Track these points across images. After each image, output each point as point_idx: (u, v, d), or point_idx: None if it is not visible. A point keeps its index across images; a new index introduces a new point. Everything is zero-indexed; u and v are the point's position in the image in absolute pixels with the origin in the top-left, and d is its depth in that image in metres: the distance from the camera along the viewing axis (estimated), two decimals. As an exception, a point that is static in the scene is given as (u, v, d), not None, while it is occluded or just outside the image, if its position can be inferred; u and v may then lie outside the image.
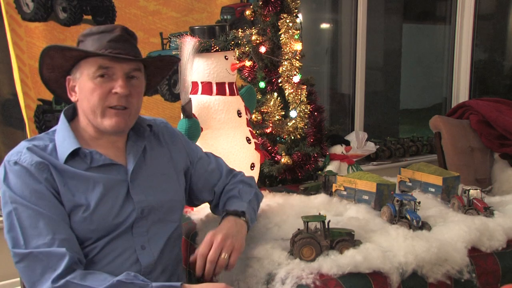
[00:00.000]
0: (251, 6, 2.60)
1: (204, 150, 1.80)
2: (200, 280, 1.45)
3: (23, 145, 1.40)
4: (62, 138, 1.43)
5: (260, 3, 2.50)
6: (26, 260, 1.29)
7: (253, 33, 2.50)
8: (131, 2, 2.87)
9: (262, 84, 2.53)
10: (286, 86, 2.45)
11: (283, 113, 2.50)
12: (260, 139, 2.48)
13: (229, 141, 2.03)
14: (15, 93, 2.66)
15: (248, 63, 2.55)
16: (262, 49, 2.50)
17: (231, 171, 1.78)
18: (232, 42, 2.03)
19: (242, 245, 1.47)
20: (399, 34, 4.82)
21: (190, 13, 3.06)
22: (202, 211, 1.92)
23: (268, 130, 2.51)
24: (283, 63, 2.43)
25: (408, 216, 1.65)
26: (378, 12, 4.50)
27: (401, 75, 4.83)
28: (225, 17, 3.18)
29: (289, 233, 1.57)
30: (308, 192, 2.14)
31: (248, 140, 2.09)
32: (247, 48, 2.50)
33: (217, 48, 1.99)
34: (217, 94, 2.04)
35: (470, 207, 1.82)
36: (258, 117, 2.51)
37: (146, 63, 1.50)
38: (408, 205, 1.68)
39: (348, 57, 4.12)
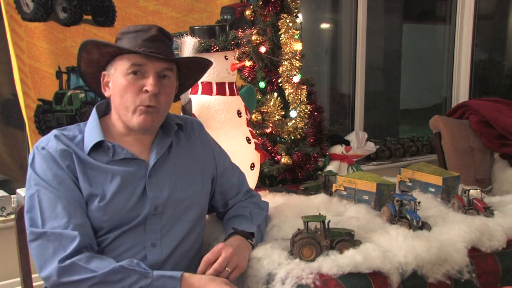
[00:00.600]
0: (251, 6, 2.61)
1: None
2: None
3: (53, 133, 1.48)
4: (90, 131, 1.49)
5: (260, 3, 2.50)
6: (40, 239, 1.35)
7: (253, 33, 2.51)
8: (131, 2, 2.87)
9: (262, 84, 2.53)
10: (286, 86, 2.45)
11: (283, 113, 2.50)
12: (260, 139, 2.48)
13: (229, 141, 2.03)
14: (15, 93, 2.66)
15: (248, 63, 2.55)
16: (262, 49, 2.50)
17: (250, 191, 1.80)
18: (232, 42, 2.03)
19: (245, 265, 1.47)
20: (399, 34, 4.82)
21: (190, 13, 3.06)
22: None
23: (268, 130, 2.51)
24: (283, 63, 2.43)
25: (408, 216, 1.65)
26: (378, 12, 4.50)
27: (401, 75, 4.83)
28: (225, 17, 3.18)
29: (289, 233, 1.57)
30: (308, 192, 2.14)
31: (248, 140, 2.10)
32: (247, 48, 2.50)
33: (217, 48, 1.99)
34: (217, 94, 2.04)
35: (470, 207, 1.82)
36: (258, 117, 2.51)
37: (178, 63, 1.54)
38: (408, 205, 1.68)
39: (348, 57, 4.12)
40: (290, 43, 2.43)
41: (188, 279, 1.34)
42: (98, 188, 1.43)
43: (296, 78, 2.43)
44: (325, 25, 4.40)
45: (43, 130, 2.66)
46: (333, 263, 1.39)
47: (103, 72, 1.52)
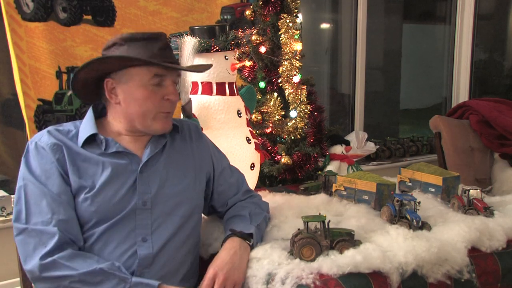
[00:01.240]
0: (251, 6, 2.60)
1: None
2: None
3: (47, 129, 1.53)
4: (84, 125, 1.53)
5: (260, 3, 2.50)
6: (22, 235, 1.40)
7: (253, 33, 2.51)
8: (131, 2, 2.87)
9: (262, 84, 2.53)
10: (286, 86, 2.45)
11: (283, 113, 2.50)
12: (260, 139, 2.48)
13: (229, 141, 2.03)
14: (15, 93, 2.66)
15: (248, 63, 2.55)
16: (262, 49, 2.50)
17: (249, 191, 1.81)
18: (232, 42, 2.03)
19: (243, 277, 1.47)
20: (399, 34, 4.82)
21: (190, 13, 3.06)
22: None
23: (268, 130, 2.51)
24: (283, 63, 2.43)
25: (408, 216, 1.65)
26: (378, 12, 4.50)
27: (401, 75, 4.83)
28: (225, 17, 3.19)
29: (289, 233, 1.56)
30: (308, 192, 2.14)
31: (248, 140, 2.09)
32: (247, 48, 2.50)
33: (217, 48, 1.99)
34: (217, 94, 2.04)
35: (470, 207, 1.82)
36: (258, 117, 2.51)
37: (189, 71, 1.65)
38: (408, 205, 1.67)
39: (348, 57, 4.12)
40: (290, 43, 2.43)
41: None
42: (88, 180, 1.45)
43: (296, 78, 2.43)
44: (325, 25, 4.41)
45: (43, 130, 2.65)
46: (333, 263, 1.39)
47: (107, 79, 1.51)
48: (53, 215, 1.39)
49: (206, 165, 1.69)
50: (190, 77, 2.00)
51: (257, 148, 2.15)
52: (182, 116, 1.97)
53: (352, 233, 1.50)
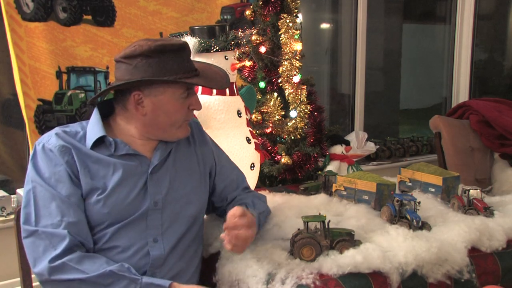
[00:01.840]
0: (251, 6, 2.61)
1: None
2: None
3: (54, 130, 1.50)
4: (92, 127, 1.51)
5: (260, 3, 2.50)
6: (32, 237, 1.38)
7: (253, 33, 2.51)
8: (131, 2, 2.87)
9: (262, 84, 2.53)
10: (286, 86, 2.45)
11: (283, 113, 2.50)
12: (260, 139, 2.48)
13: (229, 141, 2.03)
14: (15, 93, 2.66)
15: (248, 63, 2.55)
16: (262, 49, 2.50)
17: (248, 188, 1.82)
18: (232, 42, 2.03)
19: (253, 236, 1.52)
20: (399, 34, 4.82)
21: (190, 13, 3.06)
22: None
23: (268, 130, 2.51)
24: (283, 63, 2.43)
25: (408, 216, 1.65)
26: (378, 12, 4.50)
27: (401, 75, 4.83)
28: (225, 17, 3.18)
29: (289, 233, 1.57)
30: (308, 192, 2.14)
31: (248, 140, 2.10)
32: (247, 48, 2.50)
33: (217, 48, 1.99)
34: (217, 94, 2.04)
35: (470, 207, 1.82)
36: (258, 117, 2.51)
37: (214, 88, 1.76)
38: (408, 205, 1.68)
39: (348, 57, 4.12)
40: (290, 43, 2.43)
41: None
42: (99, 182, 1.45)
43: (296, 78, 2.43)
44: (325, 25, 4.40)
45: (43, 130, 2.65)
46: (333, 263, 1.39)
47: (136, 92, 1.47)
48: (63, 218, 1.39)
49: (209, 162, 1.70)
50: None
51: (257, 148, 2.15)
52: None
53: (352, 233, 1.51)
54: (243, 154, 2.06)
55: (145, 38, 1.54)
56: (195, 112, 1.99)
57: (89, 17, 2.78)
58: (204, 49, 1.99)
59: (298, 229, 1.52)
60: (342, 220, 1.70)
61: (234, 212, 1.45)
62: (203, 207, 1.66)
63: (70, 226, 1.39)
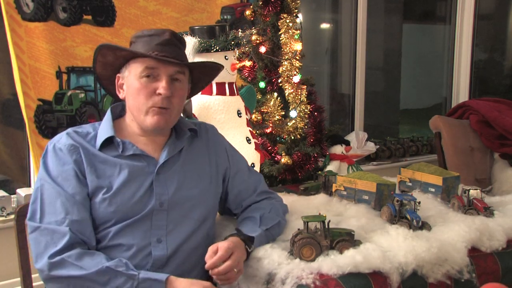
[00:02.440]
0: (251, 6, 2.61)
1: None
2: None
3: (67, 130, 1.55)
4: (102, 128, 1.55)
5: (260, 3, 2.51)
6: (35, 233, 1.42)
7: (253, 33, 2.51)
8: (131, 2, 2.87)
9: (262, 84, 2.53)
10: (286, 86, 2.45)
11: (283, 113, 2.50)
12: (260, 139, 2.48)
13: (229, 141, 2.02)
14: (15, 93, 2.66)
15: (248, 63, 2.55)
16: (262, 49, 2.50)
17: (267, 192, 1.80)
18: (232, 42, 2.03)
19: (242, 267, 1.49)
20: (399, 34, 4.82)
21: (190, 13, 3.06)
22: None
23: (268, 130, 2.51)
24: (283, 63, 2.43)
25: (408, 216, 1.65)
26: (378, 12, 4.50)
27: (401, 75, 4.83)
28: (225, 17, 3.18)
29: (289, 233, 1.57)
30: (308, 192, 2.14)
31: (248, 140, 2.10)
32: (247, 48, 2.50)
33: (217, 48, 1.99)
34: (217, 94, 2.04)
35: (470, 207, 1.82)
36: (258, 117, 2.51)
37: (190, 67, 1.59)
38: (408, 205, 1.68)
39: (348, 57, 4.11)
40: (290, 43, 2.43)
41: (174, 282, 1.37)
42: (105, 181, 1.48)
43: (296, 78, 2.43)
44: (325, 25, 4.40)
45: (43, 130, 2.66)
46: (333, 263, 1.39)
47: (118, 75, 1.56)
48: (67, 215, 1.42)
49: (223, 166, 1.70)
50: (190, 77, 2.00)
51: (257, 148, 2.15)
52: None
53: (352, 233, 1.51)
54: (243, 154, 2.05)
55: None
56: (195, 112, 2.00)
57: (89, 17, 2.78)
58: (204, 49, 1.99)
59: (298, 229, 1.52)
60: (342, 220, 1.70)
61: (206, 255, 1.45)
62: (212, 210, 1.66)
63: (73, 224, 1.41)
